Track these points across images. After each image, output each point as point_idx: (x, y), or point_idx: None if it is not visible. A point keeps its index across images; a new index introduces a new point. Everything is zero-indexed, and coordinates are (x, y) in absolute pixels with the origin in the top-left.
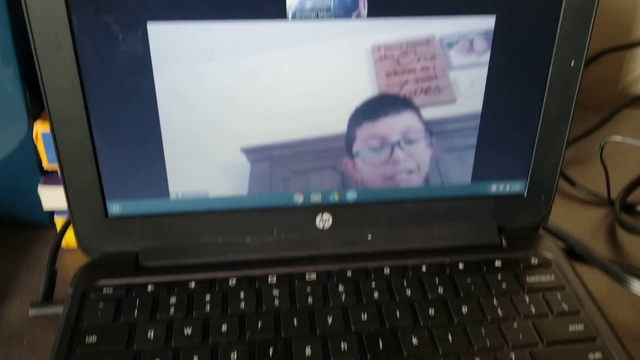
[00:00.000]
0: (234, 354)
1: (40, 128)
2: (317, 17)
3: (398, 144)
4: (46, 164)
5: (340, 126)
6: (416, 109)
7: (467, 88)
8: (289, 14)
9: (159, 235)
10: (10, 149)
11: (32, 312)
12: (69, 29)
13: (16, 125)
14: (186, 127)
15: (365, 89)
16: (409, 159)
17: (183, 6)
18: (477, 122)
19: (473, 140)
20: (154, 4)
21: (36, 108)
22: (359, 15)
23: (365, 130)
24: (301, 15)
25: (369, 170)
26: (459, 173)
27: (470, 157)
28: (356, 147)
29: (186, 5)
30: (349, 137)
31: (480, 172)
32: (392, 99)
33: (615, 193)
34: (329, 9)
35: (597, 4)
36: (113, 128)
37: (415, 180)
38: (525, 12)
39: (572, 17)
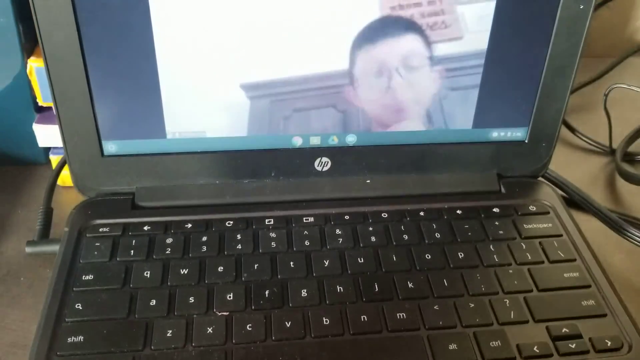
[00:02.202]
0: (229, 295)
1: (35, 64)
2: None
3: (397, 70)
4: (41, 100)
5: (342, 62)
6: (419, 36)
7: (474, 24)
8: None
9: (156, 175)
10: (4, 85)
11: (28, 250)
12: None
13: (10, 61)
14: (184, 63)
15: (367, 23)
16: (408, 88)
17: None
18: (482, 61)
19: (477, 79)
20: None
21: (30, 43)
22: None
23: (365, 54)
24: None
25: (369, 98)
26: (461, 115)
27: (473, 98)
28: (356, 72)
29: None
30: (351, 63)
31: (482, 116)
32: (395, 24)
33: (617, 142)
34: None
35: None
36: (108, 64)
37: (415, 114)
38: None
39: None
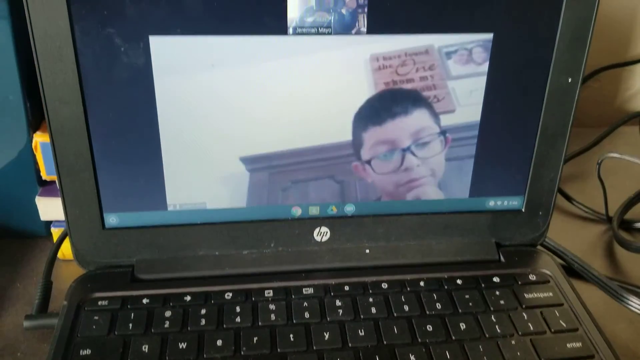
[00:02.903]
0: None
1: (40, 139)
2: (317, 32)
3: (409, 149)
4: (45, 174)
5: (338, 135)
6: (415, 110)
7: (466, 97)
8: (290, 29)
9: (155, 248)
10: (10, 159)
11: (26, 324)
12: (72, 40)
13: (16, 136)
14: (186, 138)
15: (364, 99)
16: (423, 165)
17: (185, 21)
18: (476, 132)
19: (471, 150)
20: (157, 18)
21: (36, 119)
22: (358, 32)
23: (372, 136)
24: (301, 31)
25: (379, 178)
26: (458, 185)
27: (468, 169)
28: (364, 153)
29: (189, 20)
30: (347, 135)
31: (478, 185)
32: (395, 99)
33: (613, 210)
34: (329, 26)
35: (594, 23)
36: (113, 139)
37: (414, 185)
38: (522, 30)
39: (569, 36)
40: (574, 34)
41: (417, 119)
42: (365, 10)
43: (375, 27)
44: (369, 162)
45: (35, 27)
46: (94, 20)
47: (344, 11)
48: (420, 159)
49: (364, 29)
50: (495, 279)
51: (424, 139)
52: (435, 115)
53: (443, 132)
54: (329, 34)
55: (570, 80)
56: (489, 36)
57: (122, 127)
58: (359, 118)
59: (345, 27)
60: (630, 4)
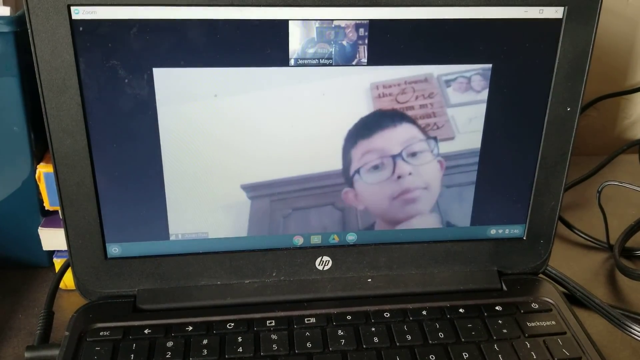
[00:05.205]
0: None
1: (44, 169)
2: (319, 64)
3: (400, 155)
4: (48, 205)
5: (339, 163)
6: (415, 134)
7: (466, 125)
8: (292, 60)
9: (157, 277)
10: (13, 189)
11: (27, 355)
12: (76, 72)
13: (20, 166)
14: (188, 167)
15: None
16: (416, 175)
17: (189, 53)
18: (476, 160)
19: (472, 177)
20: (161, 50)
21: (40, 150)
22: (359, 63)
23: (361, 148)
24: (303, 62)
25: (372, 193)
26: (459, 213)
27: (469, 196)
28: (354, 169)
29: (192, 52)
30: (346, 163)
31: (480, 214)
32: (389, 122)
33: (614, 237)
34: (330, 57)
35: (591, 53)
36: (116, 170)
37: (415, 212)
38: (521, 60)
39: (567, 66)
40: (571, 64)
41: (405, 131)
42: (366, 42)
43: (376, 58)
44: (362, 183)
45: (40, 59)
46: (99, 53)
47: (344, 43)
48: (412, 166)
49: (365, 60)
50: (498, 308)
51: (413, 147)
52: (426, 134)
53: (431, 139)
54: (330, 65)
55: (569, 109)
56: (488, 66)
57: (125, 157)
58: (356, 141)
59: (346, 59)
60: (628, 33)
